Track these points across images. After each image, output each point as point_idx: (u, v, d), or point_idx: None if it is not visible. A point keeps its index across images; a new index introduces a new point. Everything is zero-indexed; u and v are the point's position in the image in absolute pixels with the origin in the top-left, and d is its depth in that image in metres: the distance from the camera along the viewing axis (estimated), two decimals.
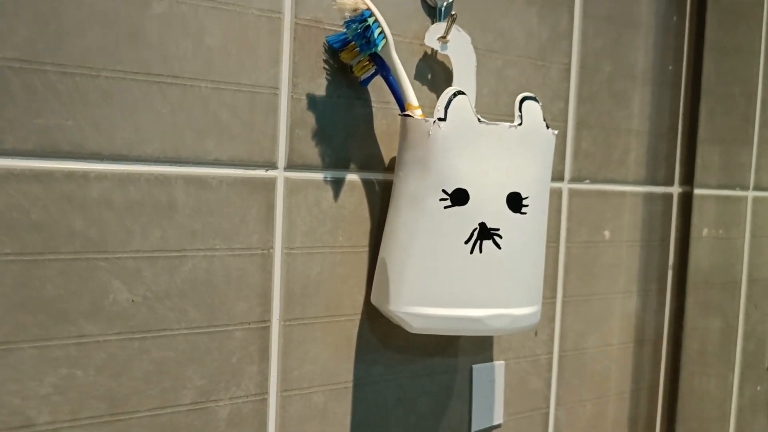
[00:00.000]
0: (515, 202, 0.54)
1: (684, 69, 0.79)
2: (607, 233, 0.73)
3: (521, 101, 0.53)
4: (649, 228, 0.77)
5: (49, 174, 0.44)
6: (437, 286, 0.52)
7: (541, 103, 0.54)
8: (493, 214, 0.53)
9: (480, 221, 0.52)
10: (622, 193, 0.74)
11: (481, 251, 0.53)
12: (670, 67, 0.77)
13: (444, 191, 0.51)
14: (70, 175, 0.45)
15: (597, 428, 0.76)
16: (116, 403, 0.47)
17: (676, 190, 0.80)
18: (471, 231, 0.52)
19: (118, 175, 0.46)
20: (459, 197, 0.52)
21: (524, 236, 0.54)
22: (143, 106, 0.47)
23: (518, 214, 0.54)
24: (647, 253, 0.77)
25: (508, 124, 0.53)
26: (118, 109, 0.46)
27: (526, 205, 0.54)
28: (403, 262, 0.52)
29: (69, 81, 0.44)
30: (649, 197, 0.77)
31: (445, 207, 0.51)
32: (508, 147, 0.53)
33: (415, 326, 0.53)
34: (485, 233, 0.53)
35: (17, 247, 0.43)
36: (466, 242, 0.52)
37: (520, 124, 0.53)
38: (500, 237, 0.53)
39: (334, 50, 0.53)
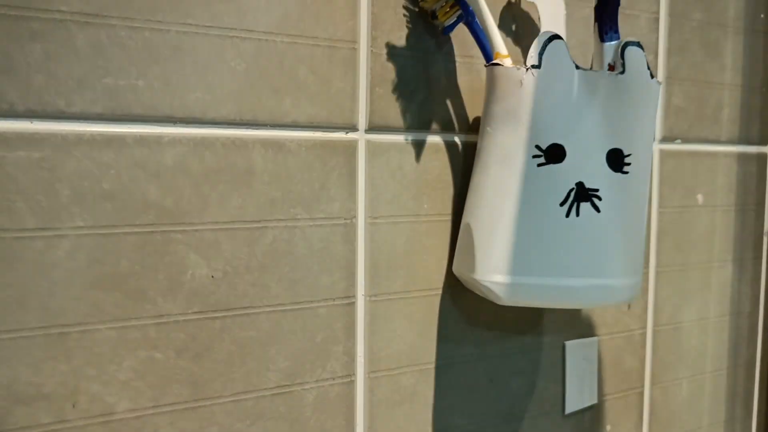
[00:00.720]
0: (616, 159, 0.48)
1: None
2: (700, 197, 0.68)
3: (623, 47, 0.48)
4: (743, 191, 0.71)
5: (121, 139, 0.40)
6: (529, 253, 0.47)
7: (645, 51, 0.49)
8: (592, 173, 0.48)
9: (577, 181, 0.47)
10: (715, 154, 0.69)
11: (578, 214, 0.48)
12: (762, 15, 0.71)
13: (538, 147, 0.46)
14: (142, 140, 0.41)
15: (693, 407, 0.70)
16: (199, 387, 0.44)
17: None
18: (567, 192, 0.47)
19: (193, 139, 0.42)
20: (554, 154, 0.47)
21: (626, 198, 0.49)
22: (216, 63, 0.43)
23: (619, 174, 0.48)
24: (742, 219, 0.72)
25: (609, 71, 0.48)
26: (191, 67, 0.42)
27: (628, 164, 0.49)
28: (491, 226, 0.48)
29: (138, 36, 0.40)
30: (743, 157, 0.71)
31: (539, 165, 0.47)
32: (609, 98, 0.48)
33: (504, 297, 0.48)
34: (583, 194, 0.48)
35: (90, 220, 0.40)
36: (562, 204, 0.47)
37: (623, 72, 0.48)
38: (599, 199, 0.48)
39: None
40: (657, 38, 0.63)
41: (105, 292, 0.40)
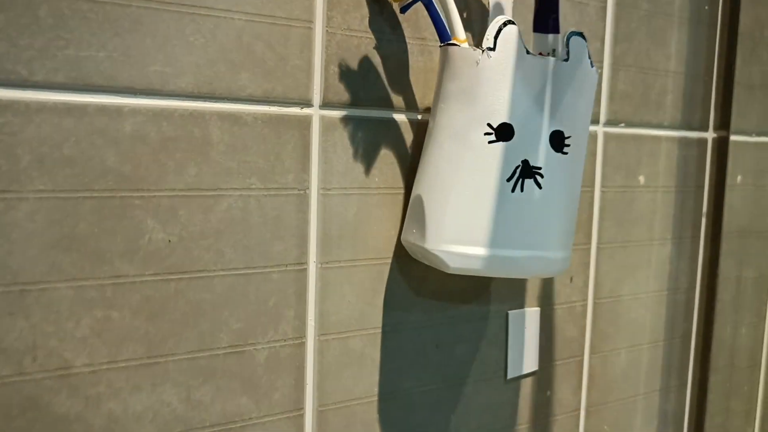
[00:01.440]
0: (558, 140, 0.52)
1: (720, 9, 0.76)
2: (642, 178, 0.72)
3: (569, 36, 0.51)
4: (683, 174, 0.75)
5: (82, 108, 0.42)
6: (477, 225, 0.51)
7: (587, 41, 0.52)
8: (536, 152, 0.51)
9: (523, 158, 0.50)
10: (658, 138, 0.72)
11: (522, 190, 0.51)
12: (706, 7, 0.75)
13: (489, 125, 0.49)
14: (103, 109, 0.43)
15: (631, 376, 0.75)
16: (154, 345, 0.46)
17: (711, 135, 0.77)
18: (514, 168, 0.50)
19: (152, 110, 0.44)
20: (504, 132, 0.50)
21: (564, 177, 0.52)
22: (176, 37, 0.45)
23: (560, 154, 0.52)
24: (682, 200, 0.76)
25: (554, 58, 0.50)
26: (151, 40, 0.44)
27: (568, 145, 0.52)
28: (443, 198, 0.50)
29: (99, 9, 0.42)
30: (684, 142, 0.75)
31: (490, 142, 0.49)
32: (554, 82, 0.51)
33: (453, 266, 0.51)
34: (528, 171, 0.51)
35: (49, 184, 0.42)
36: (508, 180, 0.50)
37: (567, 59, 0.51)
38: (541, 176, 0.51)
39: None
40: (604, 26, 0.66)
41: (63, 252, 0.43)
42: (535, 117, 0.50)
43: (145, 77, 0.44)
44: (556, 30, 0.54)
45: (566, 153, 0.52)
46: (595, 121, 0.67)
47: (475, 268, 0.51)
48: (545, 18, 0.54)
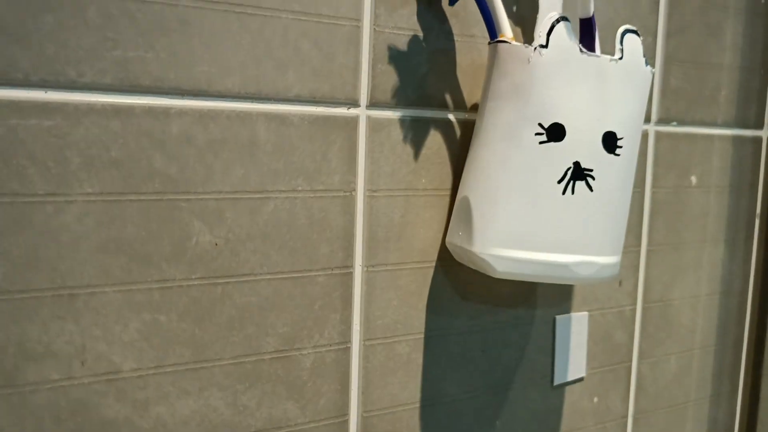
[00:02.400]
0: (610, 141, 0.50)
1: None
2: (693, 179, 0.69)
3: (623, 33, 0.49)
4: (737, 174, 0.73)
5: (129, 109, 0.42)
6: (526, 228, 0.49)
7: (642, 37, 0.50)
8: (588, 154, 0.49)
9: (575, 160, 0.49)
10: (710, 137, 0.70)
11: (573, 192, 0.49)
12: (763, 0, 0.72)
13: (540, 125, 0.47)
14: (150, 111, 0.42)
15: (681, 382, 0.72)
16: (200, 349, 0.46)
17: (766, 133, 0.75)
18: (565, 170, 0.49)
19: (199, 111, 0.44)
20: (555, 132, 0.48)
21: (616, 179, 0.50)
22: (223, 36, 0.44)
23: (612, 155, 0.50)
24: (735, 201, 0.73)
25: (609, 57, 0.49)
26: (198, 40, 0.43)
27: (621, 147, 0.50)
28: (491, 200, 0.49)
29: (147, 9, 0.41)
30: (738, 140, 0.72)
31: (541, 142, 0.48)
32: (607, 82, 0.49)
33: (500, 270, 0.49)
34: (579, 173, 0.49)
35: (98, 186, 0.41)
36: (559, 182, 0.49)
37: (621, 57, 0.49)
38: (593, 179, 0.49)
39: None
40: (657, 20, 0.64)
41: (111, 256, 0.42)
42: (587, 117, 0.48)
43: (192, 78, 0.43)
44: (592, 50, 0.52)
45: (619, 155, 0.50)
46: (647, 119, 0.65)
47: (523, 272, 0.50)
48: (582, 40, 0.52)
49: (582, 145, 0.49)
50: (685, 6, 0.66)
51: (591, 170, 0.49)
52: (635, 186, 0.65)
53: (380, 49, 0.50)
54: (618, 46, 0.49)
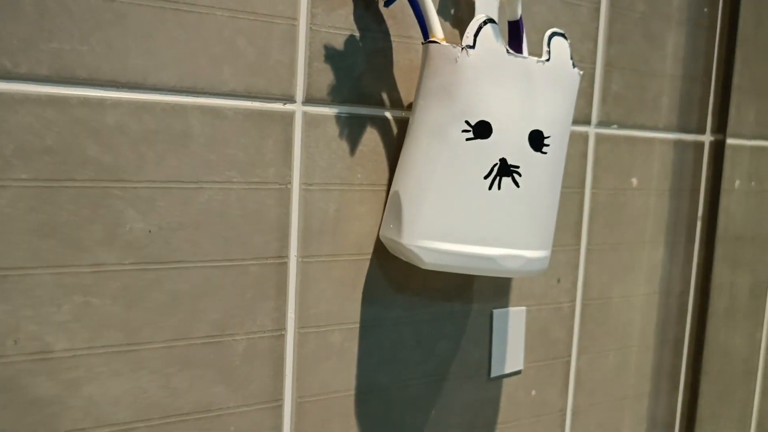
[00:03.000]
0: (537, 140, 0.52)
1: (720, 11, 0.75)
2: (634, 180, 0.71)
3: (550, 36, 0.51)
4: (679, 177, 0.75)
5: (65, 100, 0.43)
6: (453, 222, 0.51)
7: (569, 40, 0.52)
8: (514, 151, 0.51)
9: (501, 156, 0.51)
10: (652, 140, 0.72)
11: (499, 188, 0.51)
12: (705, 9, 0.74)
13: (467, 122, 0.50)
14: (85, 101, 0.44)
15: (619, 378, 0.74)
16: (132, 333, 0.47)
17: (708, 138, 0.77)
18: (491, 166, 0.51)
19: (134, 103, 0.45)
20: (482, 130, 0.50)
21: (543, 176, 0.53)
22: (158, 31, 0.46)
23: (539, 153, 0.52)
24: (676, 203, 0.75)
25: (535, 58, 0.51)
26: (133, 34, 0.45)
27: (548, 145, 0.52)
28: (419, 194, 0.51)
29: (83, 2, 0.43)
30: (679, 145, 0.74)
31: (467, 139, 0.50)
32: (534, 83, 0.51)
33: (427, 261, 0.51)
34: (505, 169, 0.51)
35: (32, 172, 0.43)
36: (485, 177, 0.51)
37: (548, 59, 0.51)
38: (519, 175, 0.51)
39: None
40: (597, 27, 0.66)
41: (44, 239, 0.44)
42: (514, 116, 0.51)
43: (128, 71, 0.45)
44: (520, 51, 0.54)
45: (546, 153, 0.52)
46: (587, 122, 0.67)
47: (450, 264, 0.52)
48: (510, 42, 0.55)
49: (508, 142, 0.51)
50: (627, 14, 0.68)
51: (518, 167, 0.51)
52: (575, 186, 0.67)
53: (317, 47, 0.51)
54: (545, 48, 0.51)
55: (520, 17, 0.54)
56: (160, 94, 0.46)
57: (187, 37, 0.47)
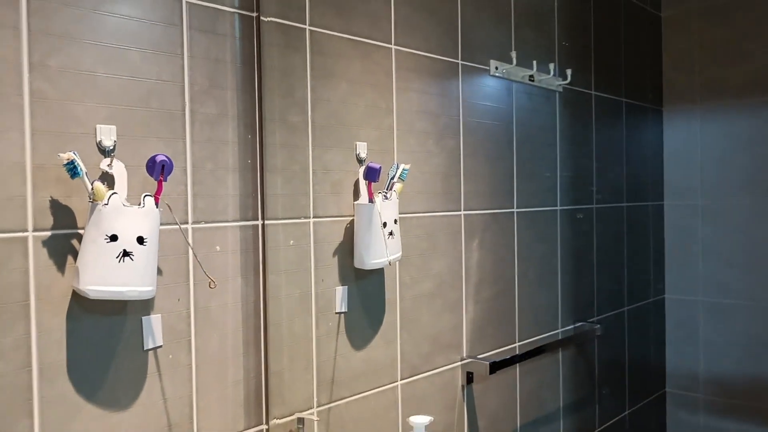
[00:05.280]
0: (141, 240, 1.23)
1: (258, 161, 1.53)
2: (218, 247, 1.45)
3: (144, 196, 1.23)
4: (245, 244, 1.50)
5: None
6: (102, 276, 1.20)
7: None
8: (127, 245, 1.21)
9: (122, 248, 1.21)
10: (225, 228, 1.46)
11: (123, 261, 1.21)
12: (249, 161, 1.51)
13: (106, 235, 1.19)
14: None
15: (222, 354, 1.46)
16: None
17: (260, 222, 1.53)
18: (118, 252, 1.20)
19: None
20: (114, 238, 1.20)
21: (147, 255, 1.24)
22: None
23: (141, 246, 1.23)
24: (246, 259, 1.50)
25: (136, 207, 1.21)
26: None
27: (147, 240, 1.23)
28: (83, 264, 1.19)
29: None
30: (243, 228, 1.50)
31: (107, 242, 1.19)
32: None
33: (92, 296, 1.19)
34: (126, 253, 1.21)
35: None
36: (117, 257, 1.20)
37: (142, 205, 1.22)
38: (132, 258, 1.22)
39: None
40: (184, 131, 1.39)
41: None
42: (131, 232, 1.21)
43: None
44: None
45: (145, 245, 1.23)
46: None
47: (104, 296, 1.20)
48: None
49: (126, 241, 1.20)
50: (200, 170, 1.42)
51: (132, 252, 1.21)
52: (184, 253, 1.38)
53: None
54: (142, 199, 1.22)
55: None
56: None
57: None
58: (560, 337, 2.40)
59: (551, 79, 2.28)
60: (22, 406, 1.16)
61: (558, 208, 2.39)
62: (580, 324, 2.51)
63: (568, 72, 2.34)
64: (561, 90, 2.36)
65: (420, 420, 1.53)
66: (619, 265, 2.79)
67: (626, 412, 2.85)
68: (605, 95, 2.65)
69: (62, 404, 1.21)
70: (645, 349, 2.98)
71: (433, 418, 1.58)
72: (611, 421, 2.74)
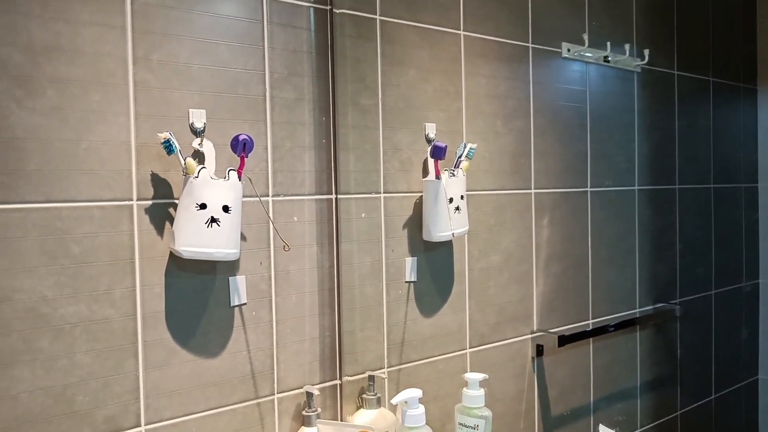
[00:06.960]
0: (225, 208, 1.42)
1: (332, 141, 1.69)
2: (296, 218, 1.62)
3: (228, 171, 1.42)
4: (320, 219, 1.67)
5: None
6: (194, 239, 1.40)
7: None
8: (216, 213, 1.41)
9: (210, 215, 1.40)
10: (302, 201, 1.64)
11: (211, 227, 1.40)
12: (324, 140, 1.67)
13: (196, 204, 1.39)
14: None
15: (300, 312, 1.64)
16: None
17: (334, 196, 1.69)
18: (207, 218, 1.40)
19: None
20: (203, 206, 1.39)
21: (231, 222, 1.42)
22: None
23: (227, 213, 1.42)
24: (320, 229, 1.67)
25: (229, 181, 1.40)
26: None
27: (231, 209, 1.42)
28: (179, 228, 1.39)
29: None
30: (318, 202, 1.66)
31: (197, 210, 1.39)
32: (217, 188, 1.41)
33: (185, 256, 1.39)
34: (214, 219, 1.40)
35: None
36: (205, 223, 1.40)
37: (227, 179, 1.41)
38: (219, 223, 1.41)
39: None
40: (265, 113, 1.57)
41: None
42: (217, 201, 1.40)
43: None
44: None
45: (230, 213, 1.41)
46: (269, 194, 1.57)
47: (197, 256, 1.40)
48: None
49: (213, 209, 1.39)
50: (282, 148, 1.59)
51: (218, 218, 1.40)
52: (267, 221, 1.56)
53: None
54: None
55: None
56: None
57: None
58: (637, 316, 2.43)
59: (628, 60, 2.31)
60: (129, 347, 1.38)
61: (636, 187, 2.41)
62: (660, 305, 2.52)
63: (646, 52, 2.35)
64: (639, 71, 2.38)
65: (474, 376, 1.64)
66: (705, 247, 2.76)
67: (712, 397, 2.82)
68: (690, 74, 2.63)
69: (161, 348, 1.42)
70: (736, 333, 2.93)
71: (487, 376, 1.69)
72: (694, 405, 2.72)
